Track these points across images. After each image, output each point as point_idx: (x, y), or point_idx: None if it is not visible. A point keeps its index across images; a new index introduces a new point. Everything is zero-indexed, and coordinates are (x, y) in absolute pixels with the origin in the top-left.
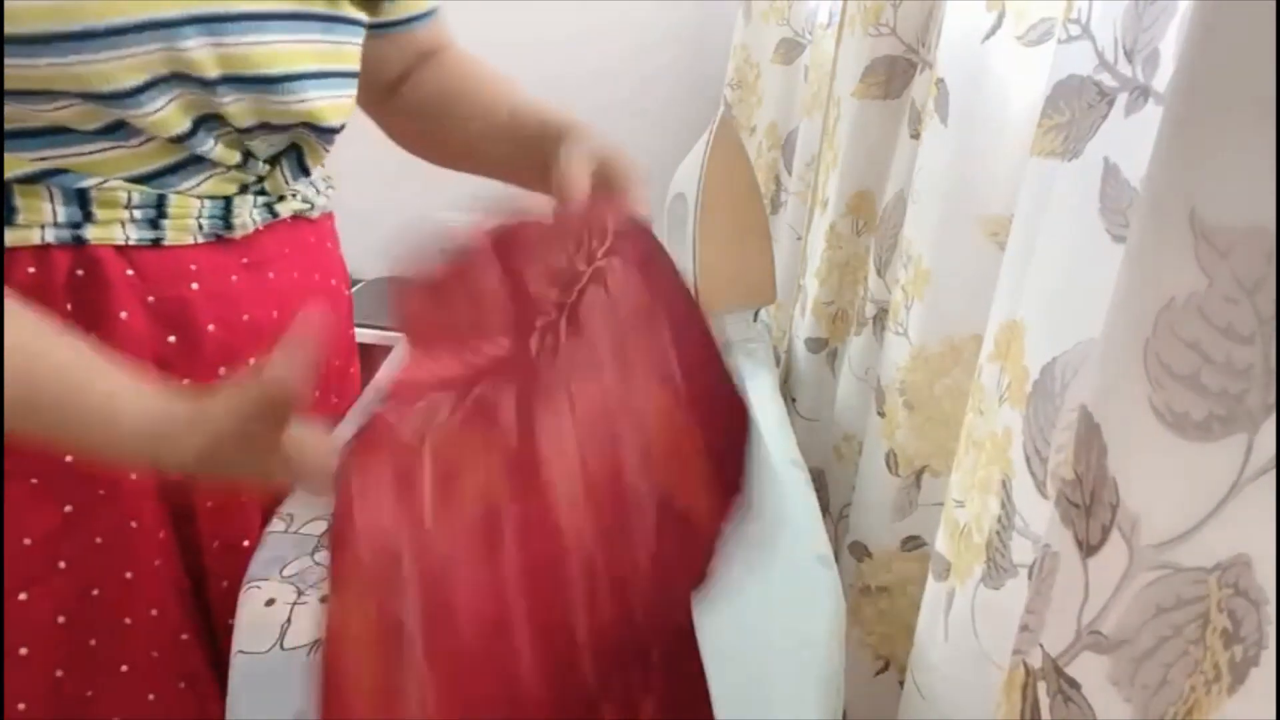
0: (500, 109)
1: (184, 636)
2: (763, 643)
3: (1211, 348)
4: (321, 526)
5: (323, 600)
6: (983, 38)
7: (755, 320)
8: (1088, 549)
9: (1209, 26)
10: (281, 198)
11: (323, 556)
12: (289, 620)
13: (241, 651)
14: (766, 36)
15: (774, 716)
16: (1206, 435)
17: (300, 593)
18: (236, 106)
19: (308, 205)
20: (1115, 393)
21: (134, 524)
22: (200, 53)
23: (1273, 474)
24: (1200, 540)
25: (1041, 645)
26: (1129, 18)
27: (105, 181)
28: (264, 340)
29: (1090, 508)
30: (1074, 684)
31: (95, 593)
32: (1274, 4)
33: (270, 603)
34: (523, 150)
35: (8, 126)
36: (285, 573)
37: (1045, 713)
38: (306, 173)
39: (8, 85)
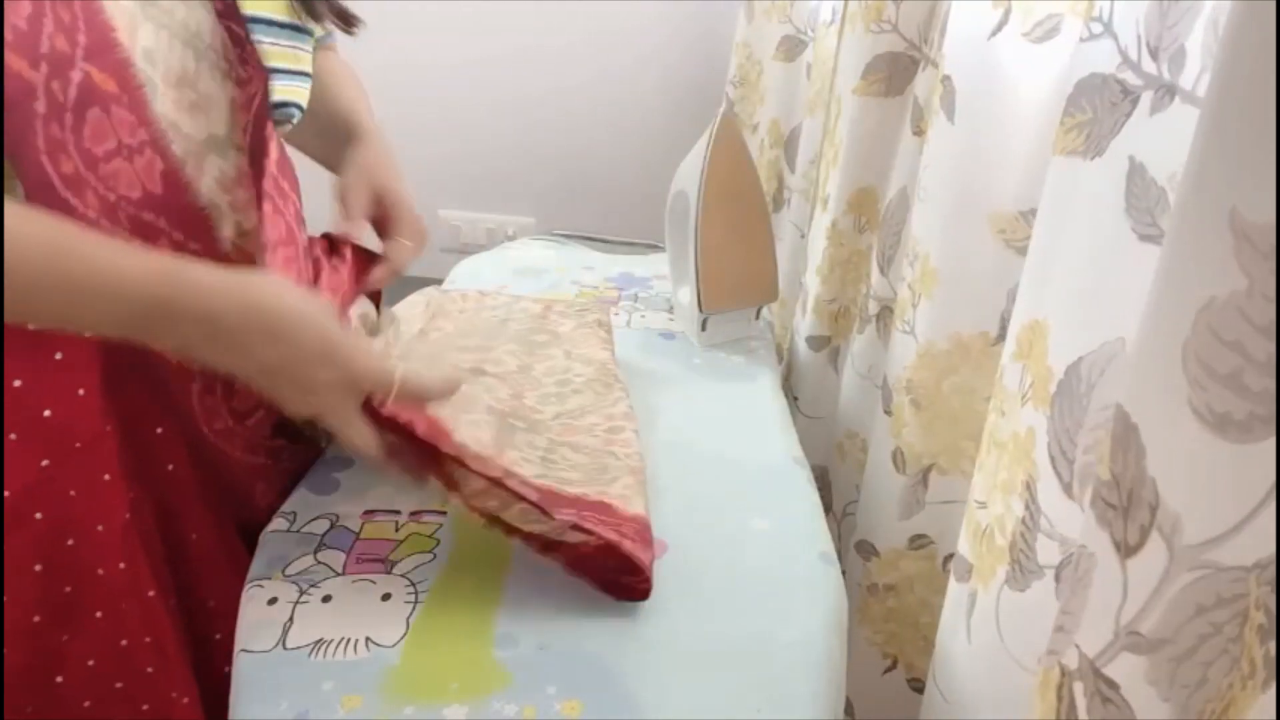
0: (322, 103)
1: (150, 593)
2: (764, 639)
3: (1253, 347)
4: (323, 525)
5: (325, 600)
6: (989, 34)
7: (757, 318)
8: (1126, 550)
9: (1246, 24)
10: None
11: (325, 555)
12: (291, 619)
13: (244, 650)
14: (768, 34)
15: (775, 714)
16: (1248, 435)
17: (303, 592)
18: None
19: None
20: (1153, 394)
21: (106, 477)
22: None
23: None
24: (1241, 539)
25: (1078, 646)
26: (1152, 15)
27: None
28: None
29: (1128, 509)
30: (1112, 684)
31: (70, 542)
32: None
33: (273, 601)
34: (325, 144)
35: None
36: (288, 572)
37: (1082, 713)
38: None
39: None
